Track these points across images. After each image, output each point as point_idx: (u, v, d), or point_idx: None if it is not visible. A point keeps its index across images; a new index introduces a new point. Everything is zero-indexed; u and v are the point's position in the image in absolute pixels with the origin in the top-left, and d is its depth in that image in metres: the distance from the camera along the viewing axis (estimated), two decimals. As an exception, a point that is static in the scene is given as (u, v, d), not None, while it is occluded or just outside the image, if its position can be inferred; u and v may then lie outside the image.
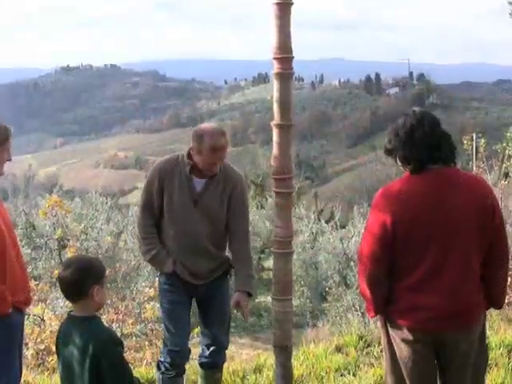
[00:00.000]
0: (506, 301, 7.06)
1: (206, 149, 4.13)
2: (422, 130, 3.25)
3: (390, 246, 3.24)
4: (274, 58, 3.92)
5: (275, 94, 3.94)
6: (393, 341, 3.41)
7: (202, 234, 4.30)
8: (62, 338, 3.26)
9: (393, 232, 3.22)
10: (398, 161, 3.36)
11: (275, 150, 3.99)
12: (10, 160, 3.85)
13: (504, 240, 3.39)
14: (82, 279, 3.15)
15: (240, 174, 4.55)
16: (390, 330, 3.41)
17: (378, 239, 3.25)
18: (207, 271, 4.39)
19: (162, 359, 4.43)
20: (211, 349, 4.52)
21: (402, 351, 3.36)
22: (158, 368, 4.48)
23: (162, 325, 4.57)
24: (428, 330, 3.28)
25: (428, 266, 3.22)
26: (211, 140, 4.12)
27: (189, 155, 4.30)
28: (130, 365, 6.65)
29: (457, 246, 3.22)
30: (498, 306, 3.57)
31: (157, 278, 9.79)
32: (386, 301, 3.36)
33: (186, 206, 4.27)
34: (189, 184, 4.28)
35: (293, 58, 3.94)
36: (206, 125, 4.33)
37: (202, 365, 4.60)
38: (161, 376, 4.43)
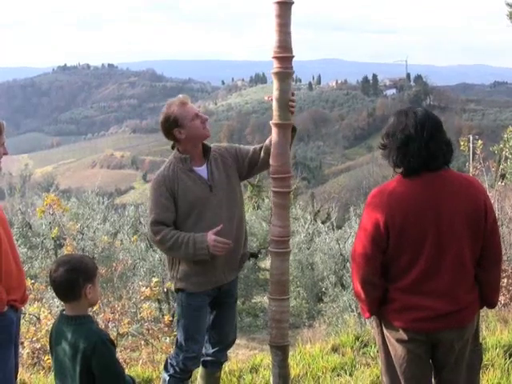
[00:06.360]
0: (503, 302, 7.08)
1: (191, 115, 4.19)
2: (419, 141, 3.17)
3: (383, 245, 3.23)
4: (274, 57, 3.90)
5: (274, 93, 3.92)
6: (387, 341, 3.40)
7: (224, 217, 4.19)
8: (55, 337, 3.25)
9: (385, 232, 3.20)
10: (390, 161, 3.29)
11: (274, 149, 3.97)
12: (6, 154, 3.82)
13: (497, 240, 3.38)
14: (74, 279, 3.12)
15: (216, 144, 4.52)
16: (385, 330, 3.40)
17: (370, 238, 3.23)
18: (238, 261, 4.34)
19: (175, 363, 4.30)
20: (217, 348, 4.47)
21: (397, 351, 3.36)
22: (166, 369, 4.38)
23: (179, 328, 4.33)
24: (422, 329, 3.27)
25: (422, 267, 3.21)
26: (187, 105, 4.25)
27: (178, 151, 4.28)
28: (124, 364, 6.65)
29: (450, 247, 3.21)
30: (492, 305, 3.57)
31: (153, 278, 9.81)
32: (380, 301, 3.34)
33: (204, 194, 4.19)
34: (196, 175, 4.22)
35: (293, 57, 3.92)
36: (171, 101, 4.33)
37: (204, 363, 4.51)
38: (168, 378, 4.34)
